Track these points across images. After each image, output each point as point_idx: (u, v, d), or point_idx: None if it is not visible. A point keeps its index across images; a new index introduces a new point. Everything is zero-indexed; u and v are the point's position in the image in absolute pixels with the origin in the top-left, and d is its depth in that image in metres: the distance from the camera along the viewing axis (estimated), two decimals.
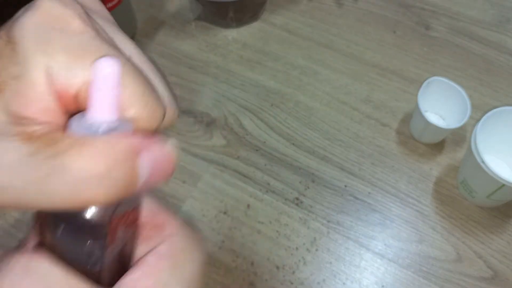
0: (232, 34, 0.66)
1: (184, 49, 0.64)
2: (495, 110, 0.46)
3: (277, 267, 0.47)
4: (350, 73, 0.61)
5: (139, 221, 0.21)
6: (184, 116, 0.57)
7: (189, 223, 0.23)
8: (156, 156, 0.19)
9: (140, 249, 0.21)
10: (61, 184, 0.17)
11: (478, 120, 0.45)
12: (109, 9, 0.57)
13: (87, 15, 0.20)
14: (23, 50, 0.18)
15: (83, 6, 0.20)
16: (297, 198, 0.51)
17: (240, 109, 0.58)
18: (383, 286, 0.45)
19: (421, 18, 0.66)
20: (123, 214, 0.19)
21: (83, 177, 0.17)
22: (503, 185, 0.42)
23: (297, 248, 0.48)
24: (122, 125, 0.18)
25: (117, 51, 0.19)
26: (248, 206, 0.50)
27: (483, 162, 0.43)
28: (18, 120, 0.18)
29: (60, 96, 0.18)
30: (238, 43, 0.64)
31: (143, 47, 0.64)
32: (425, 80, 0.51)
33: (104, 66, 0.18)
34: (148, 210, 0.22)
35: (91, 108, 0.18)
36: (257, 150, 0.54)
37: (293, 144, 0.55)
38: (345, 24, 0.66)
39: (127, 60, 0.19)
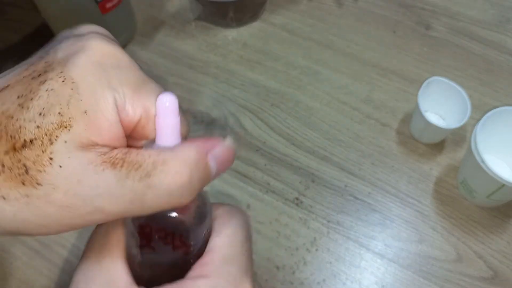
0: (232, 34, 0.66)
1: (184, 49, 0.64)
2: (495, 110, 0.46)
3: (277, 267, 0.47)
4: (350, 73, 0.61)
5: (188, 250, 0.24)
6: (183, 116, 0.57)
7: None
8: (219, 151, 0.24)
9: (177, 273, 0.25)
10: (156, 199, 0.20)
11: (478, 120, 0.45)
12: (109, 9, 0.57)
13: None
14: (87, 87, 0.20)
15: None
16: (297, 198, 0.51)
17: (240, 109, 0.58)
18: (383, 286, 0.45)
19: (421, 18, 0.66)
20: (161, 227, 0.23)
21: (173, 189, 0.20)
22: (503, 185, 0.42)
23: (297, 248, 0.48)
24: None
25: (154, 81, 0.23)
26: (248, 206, 0.50)
27: (483, 162, 0.43)
28: (93, 148, 0.20)
29: (125, 125, 0.21)
30: (238, 43, 0.64)
31: (143, 47, 0.64)
32: (425, 80, 0.51)
33: (166, 100, 0.22)
34: (209, 246, 0.25)
35: (161, 135, 0.22)
36: (257, 150, 0.54)
37: (293, 144, 0.55)
38: (345, 24, 0.66)
39: (161, 88, 0.24)
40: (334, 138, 0.55)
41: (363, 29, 0.65)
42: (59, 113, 0.19)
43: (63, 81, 0.20)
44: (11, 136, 0.19)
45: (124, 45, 0.64)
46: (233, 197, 0.51)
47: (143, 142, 0.23)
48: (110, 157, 0.20)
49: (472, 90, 0.57)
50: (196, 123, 0.56)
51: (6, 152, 0.19)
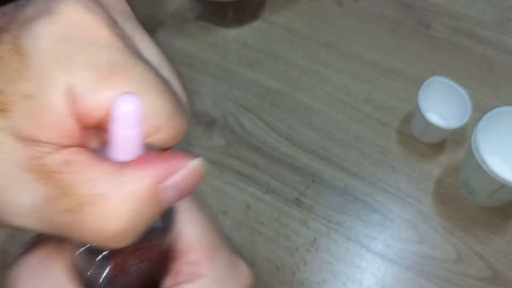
0: (232, 34, 0.65)
1: (184, 48, 0.64)
2: (495, 110, 0.46)
3: (277, 268, 0.46)
4: (351, 73, 0.61)
5: (166, 255, 0.20)
6: None
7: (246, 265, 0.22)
8: (181, 178, 0.17)
9: (167, 282, 0.20)
10: (84, 238, 0.16)
11: (478, 120, 0.45)
12: None
13: (111, 19, 0.17)
14: (38, 65, 0.15)
15: (103, 5, 0.17)
16: (297, 198, 0.51)
17: (240, 109, 0.58)
18: (383, 286, 0.45)
19: (422, 18, 0.66)
20: (138, 247, 0.18)
21: (108, 235, 0.16)
22: (504, 185, 0.42)
23: (297, 249, 0.48)
24: (145, 150, 0.17)
25: (145, 65, 0.17)
26: (248, 206, 0.50)
27: (483, 162, 0.43)
28: (31, 144, 0.15)
29: (82, 120, 0.16)
30: (238, 43, 0.64)
31: None
32: (426, 80, 0.51)
33: (126, 103, 0.16)
34: (185, 244, 0.20)
35: (112, 146, 0.17)
36: (257, 150, 0.54)
37: (293, 144, 0.55)
38: (345, 24, 0.66)
39: (156, 75, 0.17)
40: (334, 138, 0.55)
41: (363, 29, 0.65)
42: None
43: (13, 50, 0.15)
44: None
45: None
46: (233, 197, 0.51)
47: (96, 146, 0.18)
48: (44, 165, 0.15)
49: (472, 90, 0.57)
50: (196, 123, 0.56)
51: None
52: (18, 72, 0.15)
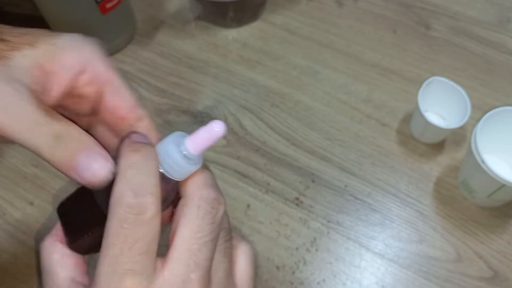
0: (232, 34, 0.65)
1: (184, 49, 0.64)
2: (495, 110, 0.46)
3: (277, 267, 0.47)
4: (350, 73, 0.61)
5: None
6: (183, 116, 0.57)
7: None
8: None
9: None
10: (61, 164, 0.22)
11: (478, 120, 0.45)
12: (109, 9, 0.57)
13: None
14: None
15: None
16: (297, 198, 0.51)
17: (240, 109, 0.58)
18: (383, 286, 0.45)
19: (421, 18, 0.66)
20: None
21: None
22: (504, 185, 0.42)
23: (297, 248, 0.48)
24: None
25: None
26: (248, 206, 0.50)
27: (483, 162, 0.43)
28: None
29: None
30: (238, 43, 0.64)
31: (143, 47, 0.64)
32: (425, 80, 0.51)
33: (218, 126, 0.25)
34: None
35: (193, 143, 0.25)
36: (257, 150, 0.54)
37: (293, 144, 0.55)
38: (345, 24, 0.66)
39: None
40: (334, 138, 0.55)
41: (363, 29, 0.65)
42: None
43: None
44: None
45: (124, 45, 0.64)
46: (233, 197, 0.51)
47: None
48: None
49: (472, 90, 0.57)
50: (196, 123, 0.56)
51: None
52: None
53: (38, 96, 0.23)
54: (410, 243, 0.48)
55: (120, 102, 0.27)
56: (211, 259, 0.24)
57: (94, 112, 0.28)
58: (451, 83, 0.50)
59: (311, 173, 0.52)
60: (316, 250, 0.48)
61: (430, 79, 0.51)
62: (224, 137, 0.55)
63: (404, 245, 0.48)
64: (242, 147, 0.54)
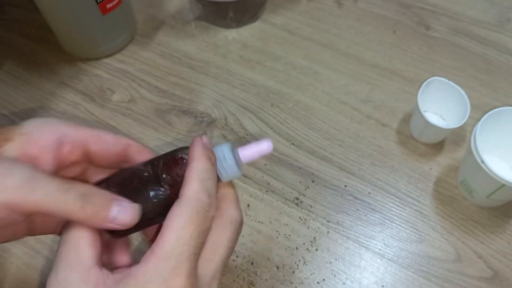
0: (232, 34, 0.66)
1: (184, 49, 0.64)
2: (495, 110, 0.46)
3: (277, 267, 0.47)
4: (350, 73, 0.61)
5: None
6: (184, 116, 0.57)
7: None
8: None
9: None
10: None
11: (478, 120, 0.45)
12: (109, 9, 0.57)
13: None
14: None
15: None
16: (297, 198, 0.51)
17: (240, 109, 0.58)
18: (383, 286, 0.45)
19: (421, 18, 0.66)
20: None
21: None
22: (503, 185, 0.42)
23: (297, 248, 0.48)
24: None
25: None
26: (248, 206, 0.50)
27: (483, 162, 0.43)
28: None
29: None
30: (238, 43, 0.64)
31: (143, 47, 0.64)
32: (425, 80, 0.51)
33: (267, 144, 0.30)
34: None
35: (244, 153, 0.30)
36: None
37: (293, 144, 0.55)
38: (345, 24, 0.66)
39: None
40: (334, 138, 0.55)
41: (363, 29, 0.65)
42: None
43: None
44: None
45: (124, 46, 0.64)
46: None
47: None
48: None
49: (472, 90, 0.57)
50: (196, 123, 0.56)
51: None
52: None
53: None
54: (410, 243, 0.48)
55: (104, 145, 0.30)
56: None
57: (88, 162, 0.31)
58: (451, 83, 0.51)
59: (311, 173, 0.52)
60: (316, 249, 0.48)
61: (430, 79, 0.51)
62: (224, 136, 0.55)
63: (403, 245, 0.48)
64: None
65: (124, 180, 0.28)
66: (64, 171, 0.29)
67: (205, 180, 0.27)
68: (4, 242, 0.27)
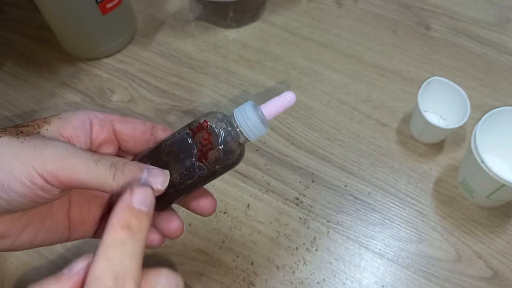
0: (232, 34, 0.66)
1: (184, 49, 0.64)
2: (495, 110, 0.46)
3: (277, 267, 0.47)
4: (350, 73, 0.61)
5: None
6: (184, 116, 0.57)
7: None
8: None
9: None
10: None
11: (478, 120, 0.45)
12: (109, 9, 0.57)
13: None
14: None
15: None
16: (297, 198, 0.51)
17: None
18: (383, 286, 0.46)
19: (421, 18, 0.66)
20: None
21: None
22: (503, 185, 0.42)
23: (297, 248, 0.48)
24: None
25: None
26: (248, 206, 0.50)
27: (483, 162, 0.43)
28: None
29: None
30: (238, 43, 0.64)
31: (143, 47, 0.64)
32: (425, 80, 0.51)
33: (290, 95, 0.29)
34: None
35: (268, 109, 0.29)
36: (257, 150, 0.54)
37: (293, 144, 0.55)
38: (345, 24, 0.66)
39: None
40: (334, 138, 0.55)
41: (363, 29, 0.65)
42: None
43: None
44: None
45: (124, 46, 0.64)
46: (233, 196, 0.51)
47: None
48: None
49: (472, 90, 0.57)
50: None
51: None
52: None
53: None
54: (410, 243, 0.48)
55: (132, 124, 0.31)
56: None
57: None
58: (451, 83, 0.51)
59: (311, 173, 0.52)
60: (316, 249, 0.48)
61: (430, 79, 0.51)
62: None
63: (403, 245, 0.48)
64: None
65: (152, 152, 0.30)
66: (97, 151, 0.31)
67: (114, 258, 0.21)
68: (50, 243, 0.30)
